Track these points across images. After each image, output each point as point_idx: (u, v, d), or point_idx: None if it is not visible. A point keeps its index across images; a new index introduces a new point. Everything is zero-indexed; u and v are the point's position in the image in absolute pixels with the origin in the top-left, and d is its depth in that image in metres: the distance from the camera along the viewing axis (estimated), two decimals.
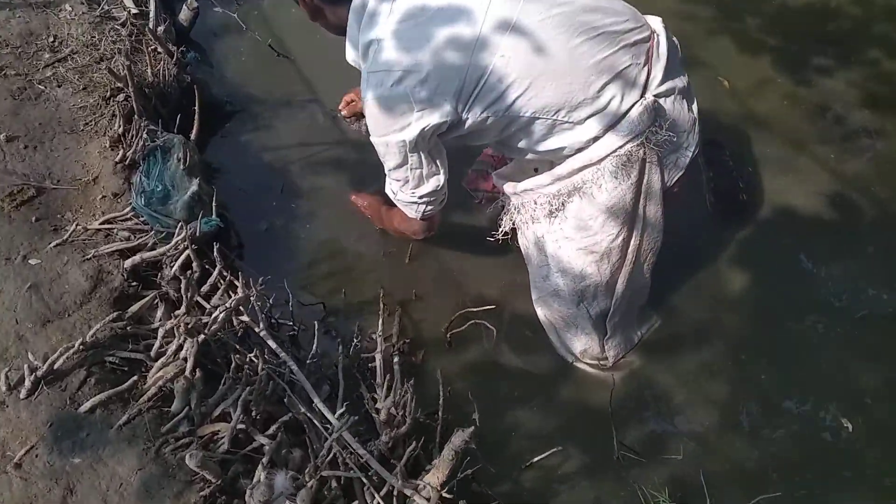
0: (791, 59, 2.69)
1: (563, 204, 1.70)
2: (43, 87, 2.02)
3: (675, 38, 1.66)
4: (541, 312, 1.96)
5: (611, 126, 1.55)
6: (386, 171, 1.67)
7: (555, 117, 1.52)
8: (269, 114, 2.36)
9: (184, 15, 2.44)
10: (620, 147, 1.56)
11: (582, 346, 1.92)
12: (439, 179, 1.65)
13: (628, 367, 1.99)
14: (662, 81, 1.59)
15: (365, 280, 2.07)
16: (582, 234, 1.72)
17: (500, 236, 1.88)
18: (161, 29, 2.26)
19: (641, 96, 1.56)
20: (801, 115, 2.57)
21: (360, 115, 2.14)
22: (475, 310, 1.96)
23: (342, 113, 2.16)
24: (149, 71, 2.06)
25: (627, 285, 1.80)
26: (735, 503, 1.76)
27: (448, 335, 1.99)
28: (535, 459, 1.80)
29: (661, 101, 1.58)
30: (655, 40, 1.60)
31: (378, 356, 1.81)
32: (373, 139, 1.58)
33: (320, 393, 1.75)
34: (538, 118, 1.53)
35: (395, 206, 1.80)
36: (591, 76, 1.49)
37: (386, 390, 1.71)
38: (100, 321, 1.59)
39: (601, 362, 1.95)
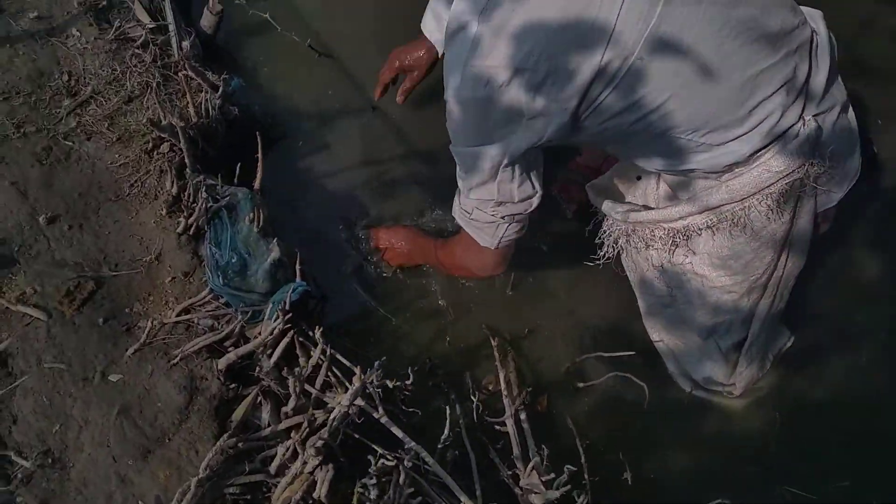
0: None
1: (689, 237, 1.44)
2: (71, 144, 1.71)
3: (831, 34, 1.35)
4: (656, 336, 1.74)
5: (759, 155, 1.26)
6: (463, 188, 1.40)
7: (690, 137, 1.23)
8: (323, 130, 2.05)
9: (206, 21, 2.08)
10: (773, 184, 1.29)
11: (706, 373, 1.70)
12: (533, 199, 1.38)
13: (755, 393, 1.78)
14: (823, 96, 1.29)
15: (467, 321, 1.84)
16: (718, 273, 1.47)
17: (602, 261, 1.63)
18: (187, 46, 1.93)
19: (800, 117, 1.26)
20: None
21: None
22: (608, 355, 1.73)
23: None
24: (191, 109, 1.75)
25: (766, 317, 1.57)
26: None
27: (569, 375, 1.78)
28: None
29: (821, 119, 1.29)
30: (815, 41, 1.30)
31: (509, 422, 1.61)
32: (456, 149, 1.31)
33: (448, 458, 1.56)
34: (669, 136, 1.24)
35: (455, 235, 1.53)
36: (744, 91, 1.19)
37: (530, 468, 1.51)
38: (205, 442, 1.37)
39: (726, 389, 1.73)
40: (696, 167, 1.30)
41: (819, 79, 1.28)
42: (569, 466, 1.45)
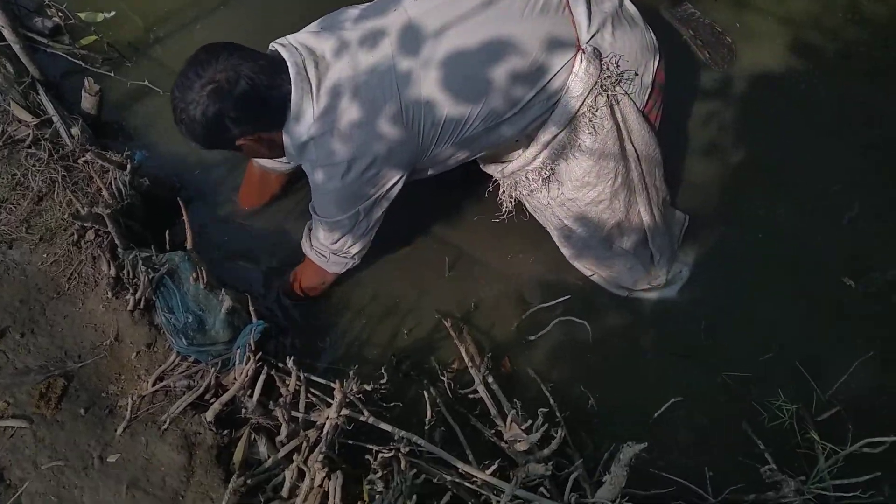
0: None
1: (552, 171, 1.72)
2: None
3: None
4: (580, 265, 1.99)
5: (562, 91, 1.54)
6: (323, 232, 1.67)
7: (506, 115, 1.53)
8: (233, 174, 2.14)
9: (87, 103, 2.12)
10: (581, 105, 1.56)
11: (632, 276, 1.95)
12: (371, 237, 1.70)
13: (680, 280, 2.03)
14: (590, 22, 1.54)
15: (418, 311, 1.99)
16: (583, 191, 1.74)
17: (506, 215, 1.88)
18: (77, 132, 1.97)
19: (577, 48, 1.52)
20: None
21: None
22: (548, 304, 1.93)
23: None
24: (103, 192, 1.81)
25: (651, 208, 1.83)
26: (838, 374, 1.88)
27: (520, 331, 1.97)
28: (656, 415, 1.85)
29: (597, 40, 1.54)
30: None
31: (480, 388, 1.77)
32: (324, 219, 1.61)
33: (437, 437, 1.72)
34: (492, 125, 1.53)
35: (302, 267, 1.85)
36: (519, 64, 1.46)
37: (509, 422, 1.68)
38: (217, 489, 1.47)
39: (654, 283, 1.98)
40: (527, 123, 1.57)
41: (578, 11, 1.52)
42: (541, 409, 1.64)
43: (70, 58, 2.25)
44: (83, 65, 2.25)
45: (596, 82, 1.53)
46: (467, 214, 2.10)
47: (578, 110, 1.57)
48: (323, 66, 1.41)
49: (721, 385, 1.91)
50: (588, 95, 1.54)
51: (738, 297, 2.02)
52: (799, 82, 2.35)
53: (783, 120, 2.28)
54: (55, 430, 1.51)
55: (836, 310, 2.00)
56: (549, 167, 1.70)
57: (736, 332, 1.98)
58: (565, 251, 1.96)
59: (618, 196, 1.76)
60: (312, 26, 1.50)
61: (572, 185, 1.73)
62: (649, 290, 2.01)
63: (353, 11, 1.49)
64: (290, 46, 1.42)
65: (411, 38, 1.41)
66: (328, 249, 1.70)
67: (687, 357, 1.94)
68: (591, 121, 1.59)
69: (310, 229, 1.76)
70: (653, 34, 1.65)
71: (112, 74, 2.18)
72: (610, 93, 1.57)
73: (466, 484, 1.58)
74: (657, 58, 1.65)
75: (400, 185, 1.55)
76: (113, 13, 2.39)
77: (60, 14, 2.36)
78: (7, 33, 1.99)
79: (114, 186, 1.84)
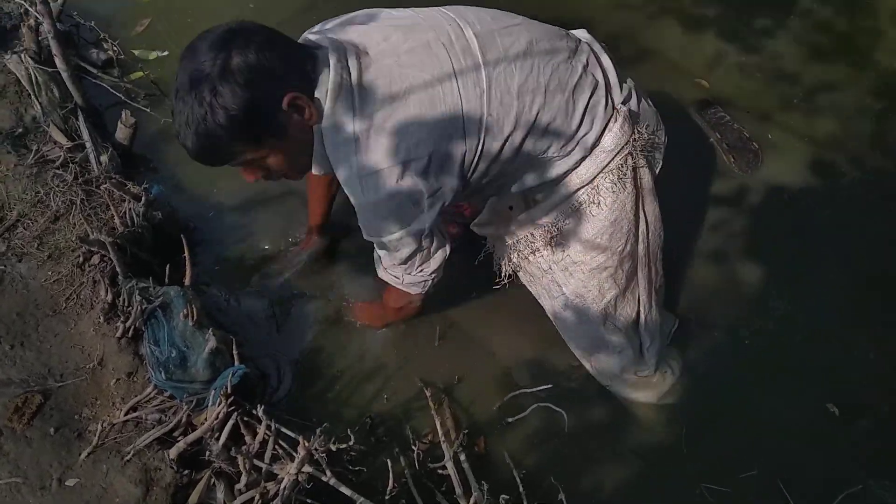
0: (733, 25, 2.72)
1: (560, 231, 1.69)
2: (3, 267, 1.81)
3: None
4: (571, 344, 1.95)
5: (595, 145, 1.55)
6: (387, 264, 1.62)
7: (548, 153, 1.51)
8: (249, 221, 2.20)
9: (121, 133, 2.23)
10: (611, 161, 1.56)
11: (620, 361, 1.90)
12: (446, 250, 1.62)
13: (674, 390, 1.99)
14: (621, 87, 1.58)
15: (401, 376, 1.99)
16: (591, 254, 1.71)
17: (505, 280, 1.86)
18: (105, 160, 2.06)
19: (613, 108, 1.55)
20: (758, 85, 2.62)
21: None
22: (530, 390, 1.92)
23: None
24: (116, 220, 1.88)
25: (649, 289, 1.81)
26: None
27: (501, 412, 1.95)
28: None
29: (629, 105, 1.58)
30: (594, 52, 1.58)
31: (449, 465, 1.75)
32: (374, 239, 1.51)
33: None
34: (534, 159, 1.51)
35: (386, 292, 1.79)
36: (569, 105, 1.48)
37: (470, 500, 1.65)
38: None
39: (641, 373, 1.93)
40: (558, 171, 1.57)
41: (611, 77, 1.56)
42: (504, 496, 1.61)
43: (114, 91, 2.38)
44: (125, 98, 2.37)
45: (628, 141, 1.55)
46: (462, 283, 2.11)
47: (606, 166, 1.56)
48: (366, 60, 1.31)
49: (698, 496, 1.85)
50: (618, 154, 1.55)
51: (723, 408, 1.98)
52: (814, 204, 2.35)
53: (791, 237, 2.28)
54: (21, 446, 1.53)
55: (825, 434, 1.94)
56: (558, 226, 1.67)
57: (718, 443, 1.93)
58: (557, 324, 1.93)
59: (623, 266, 1.73)
60: (341, 21, 1.42)
61: (581, 248, 1.70)
62: (635, 386, 1.96)
63: (394, 12, 1.43)
64: (325, 38, 1.33)
65: (469, 52, 1.37)
66: (399, 270, 1.62)
67: (665, 463, 1.89)
68: (618, 179, 1.58)
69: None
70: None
71: (149, 111, 2.29)
72: (637, 154, 1.59)
73: None
74: (664, 138, 1.69)
75: (452, 195, 1.43)
76: (166, 53, 2.55)
77: (115, 49, 2.52)
78: (58, 61, 2.12)
79: (127, 216, 1.91)
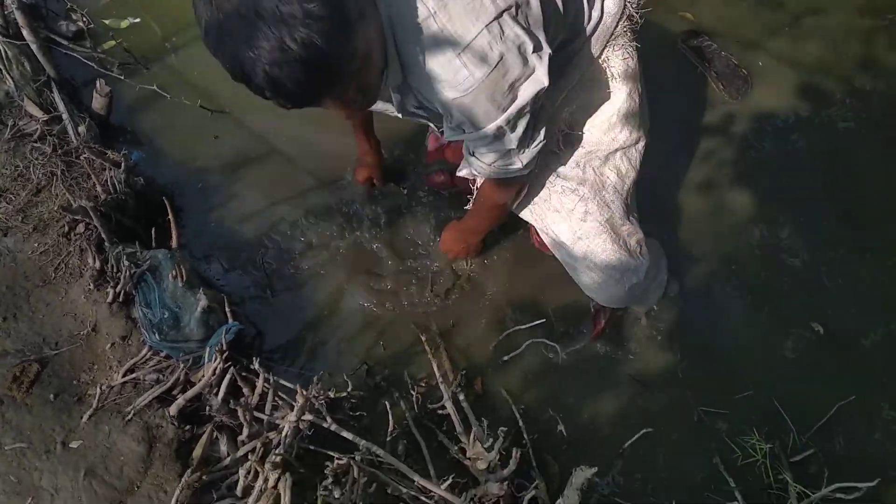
0: None
1: (573, 118, 1.57)
2: None
3: None
4: (585, 278, 1.77)
5: (602, 12, 1.45)
6: (499, 151, 1.34)
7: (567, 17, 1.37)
8: (232, 182, 2.19)
9: (97, 103, 2.20)
10: (617, 26, 1.47)
11: (627, 281, 1.75)
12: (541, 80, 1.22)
13: (658, 330, 1.99)
14: None
15: (397, 324, 2.00)
16: (612, 132, 1.58)
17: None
18: (83, 130, 2.04)
19: None
20: (743, 13, 2.57)
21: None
22: (524, 327, 1.93)
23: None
24: (98, 188, 1.87)
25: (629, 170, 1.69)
26: (817, 416, 1.84)
27: (497, 352, 1.96)
28: (627, 445, 1.82)
29: None
30: None
31: (448, 404, 1.77)
32: (493, 125, 1.23)
33: (398, 451, 1.73)
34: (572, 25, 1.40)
35: (483, 191, 1.61)
36: None
37: (472, 439, 1.68)
38: (172, 482, 1.49)
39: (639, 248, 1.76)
40: (587, 33, 1.45)
41: None
42: (502, 429, 1.63)
43: (88, 62, 2.34)
44: (99, 68, 2.34)
45: (625, 4, 1.46)
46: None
47: (614, 31, 1.46)
48: None
49: (696, 420, 1.87)
50: (622, 18, 1.46)
51: (718, 333, 1.99)
52: (803, 130, 2.33)
53: (780, 164, 2.26)
54: (22, 413, 1.55)
55: (817, 353, 1.96)
56: (571, 110, 1.54)
57: (714, 367, 1.94)
58: (575, 245, 1.72)
59: (637, 145, 1.63)
60: None
61: (601, 127, 1.57)
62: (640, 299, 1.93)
63: None
64: None
65: None
66: (513, 156, 1.37)
67: (663, 389, 1.91)
68: (628, 42, 1.48)
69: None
70: None
71: (123, 78, 2.26)
72: (635, 17, 1.49)
73: (423, 498, 1.58)
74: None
75: (545, 70, 1.19)
76: (138, 20, 2.51)
77: (84, 19, 2.47)
78: (26, 33, 2.08)
79: (109, 183, 1.90)
